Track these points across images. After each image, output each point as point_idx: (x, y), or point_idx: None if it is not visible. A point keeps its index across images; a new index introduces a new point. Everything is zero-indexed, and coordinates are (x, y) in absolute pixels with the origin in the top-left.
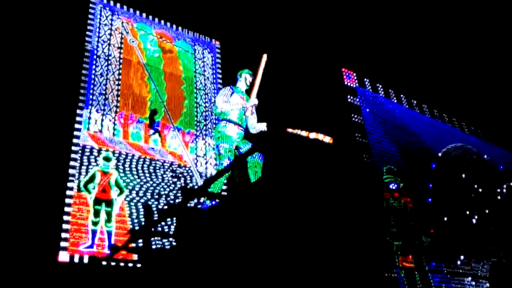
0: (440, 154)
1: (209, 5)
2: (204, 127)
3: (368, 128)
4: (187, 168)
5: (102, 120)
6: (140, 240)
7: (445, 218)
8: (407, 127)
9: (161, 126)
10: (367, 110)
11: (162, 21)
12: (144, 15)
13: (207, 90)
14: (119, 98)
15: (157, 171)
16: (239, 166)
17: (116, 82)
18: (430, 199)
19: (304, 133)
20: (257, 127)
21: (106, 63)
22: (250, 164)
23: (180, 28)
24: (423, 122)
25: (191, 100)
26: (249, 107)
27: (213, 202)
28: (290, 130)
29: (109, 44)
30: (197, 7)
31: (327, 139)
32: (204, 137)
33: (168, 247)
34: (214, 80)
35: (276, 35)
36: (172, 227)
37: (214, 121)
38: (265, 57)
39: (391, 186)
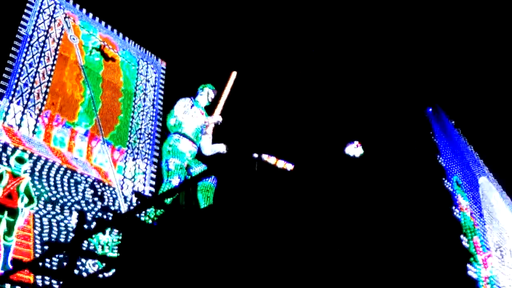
0: None
1: (163, 23)
2: (137, 148)
3: (441, 149)
4: (110, 188)
5: (23, 115)
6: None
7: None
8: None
9: (89, 136)
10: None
11: (110, 26)
12: (91, 15)
13: (145, 109)
14: (47, 95)
15: (78, 185)
16: (190, 188)
17: (47, 77)
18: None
19: (272, 160)
20: (214, 148)
21: (39, 54)
22: (202, 187)
23: (127, 38)
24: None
25: (127, 116)
26: (211, 123)
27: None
28: (256, 155)
29: (46, 35)
30: (150, 22)
31: (289, 167)
32: (135, 158)
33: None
34: (155, 100)
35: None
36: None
37: (148, 141)
38: (234, 74)
39: (460, 198)
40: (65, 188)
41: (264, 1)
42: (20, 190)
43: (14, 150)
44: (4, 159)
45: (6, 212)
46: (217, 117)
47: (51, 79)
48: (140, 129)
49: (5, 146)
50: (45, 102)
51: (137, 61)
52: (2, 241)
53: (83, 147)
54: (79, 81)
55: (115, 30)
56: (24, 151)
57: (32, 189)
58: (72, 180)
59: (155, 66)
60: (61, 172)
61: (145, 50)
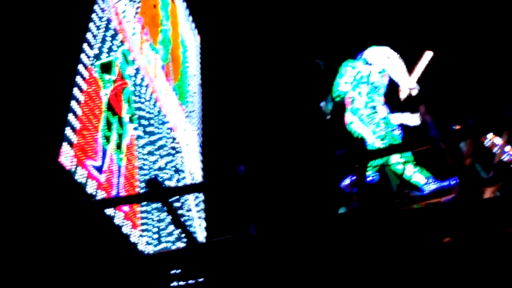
0: None
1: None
2: (189, 116)
3: None
4: (177, 147)
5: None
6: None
7: None
8: None
9: (165, 73)
10: None
11: None
12: None
13: (192, 75)
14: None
15: (156, 119)
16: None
17: None
18: None
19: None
20: (400, 118)
21: None
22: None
23: None
24: None
25: (184, 72)
26: (408, 88)
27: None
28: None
29: None
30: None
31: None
32: (190, 125)
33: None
34: (196, 72)
35: None
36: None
37: (196, 112)
38: (429, 54)
39: None
40: (152, 115)
41: None
42: (124, 97)
43: (122, 43)
44: (113, 45)
45: (116, 118)
46: (414, 83)
47: None
48: (190, 94)
49: (115, 31)
50: (140, 4)
51: (185, 20)
52: (114, 154)
53: (163, 82)
54: (157, 4)
55: None
56: (129, 51)
57: (132, 104)
58: (155, 108)
59: (195, 37)
60: (148, 93)
61: (190, 14)
